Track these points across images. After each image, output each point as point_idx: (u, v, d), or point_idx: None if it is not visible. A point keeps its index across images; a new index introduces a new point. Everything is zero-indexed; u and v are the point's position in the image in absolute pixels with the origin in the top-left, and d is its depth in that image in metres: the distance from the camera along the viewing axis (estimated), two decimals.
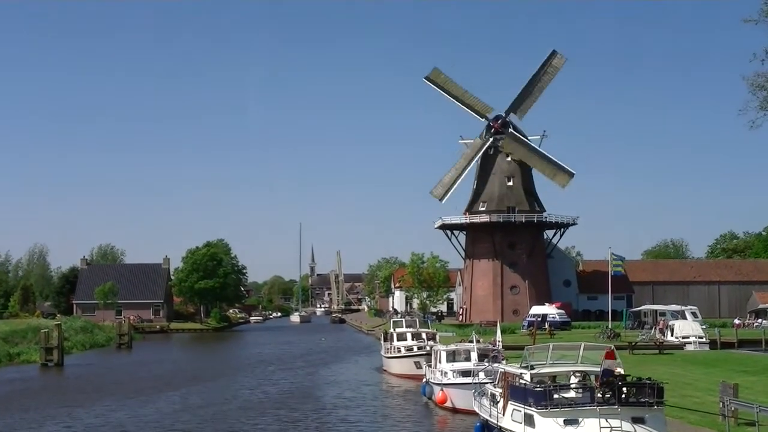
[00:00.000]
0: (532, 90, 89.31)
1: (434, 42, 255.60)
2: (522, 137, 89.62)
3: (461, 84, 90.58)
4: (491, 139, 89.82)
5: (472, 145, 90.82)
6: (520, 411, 24.05)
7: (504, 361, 34.32)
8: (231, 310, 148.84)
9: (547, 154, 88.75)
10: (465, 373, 35.48)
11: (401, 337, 52.66)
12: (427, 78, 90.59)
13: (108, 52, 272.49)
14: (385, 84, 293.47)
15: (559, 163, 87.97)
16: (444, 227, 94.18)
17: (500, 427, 25.54)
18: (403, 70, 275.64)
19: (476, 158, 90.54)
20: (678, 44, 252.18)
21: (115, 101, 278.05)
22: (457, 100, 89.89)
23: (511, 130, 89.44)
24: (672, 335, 56.95)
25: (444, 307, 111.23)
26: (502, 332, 44.57)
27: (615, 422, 22.26)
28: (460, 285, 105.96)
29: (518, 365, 26.21)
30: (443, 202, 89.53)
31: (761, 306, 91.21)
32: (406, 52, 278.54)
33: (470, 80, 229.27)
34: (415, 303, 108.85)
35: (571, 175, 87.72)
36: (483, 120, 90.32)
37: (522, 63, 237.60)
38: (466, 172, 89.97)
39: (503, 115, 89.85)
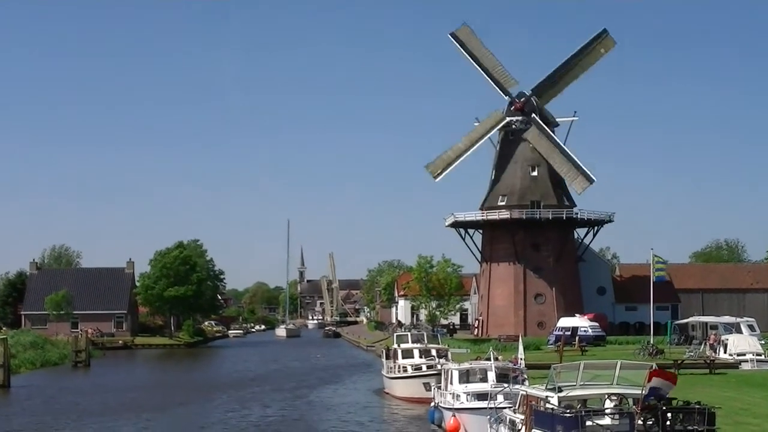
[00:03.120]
0: (568, 72, 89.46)
1: (447, 5, 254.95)
2: (545, 126, 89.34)
3: (492, 50, 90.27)
4: (508, 119, 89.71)
5: (485, 121, 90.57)
6: None
7: (526, 383, 34.32)
8: (206, 323, 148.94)
9: (569, 151, 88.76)
10: (481, 396, 35.46)
11: (407, 353, 52.66)
12: (453, 34, 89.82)
13: (65, 28, 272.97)
14: (387, 61, 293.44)
15: (581, 165, 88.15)
16: (456, 225, 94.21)
17: None
18: (408, 45, 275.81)
19: (488, 136, 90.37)
20: (731, 22, 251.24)
21: (70, 84, 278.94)
22: (482, 69, 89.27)
23: (534, 115, 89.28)
24: (725, 352, 56.88)
25: (456, 319, 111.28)
26: (525, 348, 44.55)
27: None
28: (475, 293, 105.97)
29: (543, 387, 26.22)
30: (438, 180, 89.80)
31: None
32: (413, 20, 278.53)
33: (498, 47, 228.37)
34: (423, 314, 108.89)
35: (591, 181, 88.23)
36: (506, 97, 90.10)
37: (562, 37, 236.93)
38: (472, 149, 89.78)
39: (528, 94, 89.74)
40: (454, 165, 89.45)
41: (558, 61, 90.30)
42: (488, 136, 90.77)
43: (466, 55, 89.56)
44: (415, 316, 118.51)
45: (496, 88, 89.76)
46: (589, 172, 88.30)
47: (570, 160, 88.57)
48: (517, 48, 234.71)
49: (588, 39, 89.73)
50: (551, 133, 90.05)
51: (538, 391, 26.40)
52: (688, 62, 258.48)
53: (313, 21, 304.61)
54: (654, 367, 24.73)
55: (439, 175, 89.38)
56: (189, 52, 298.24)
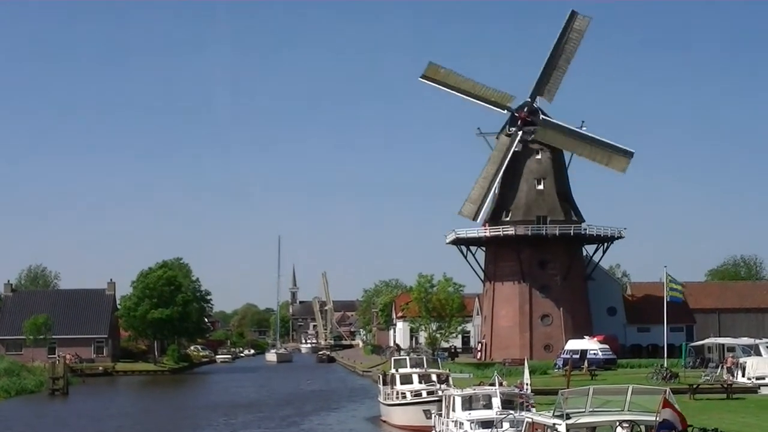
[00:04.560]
0: (556, 63, 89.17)
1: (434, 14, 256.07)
2: (554, 120, 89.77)
3: (469, 71, 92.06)
4: (521, 133, 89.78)
5: (498, 144, 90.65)
6: None
7: (533, 409, 34.36)
8: (192, 347, 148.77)
9: (593, 135, 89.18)
10: (485, 424, 35.53)
11: (405, 379, 52.70)
12: (423, 77, 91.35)
13: (42, 33, 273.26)
14: (384, 69, 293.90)
15: (611, 143, 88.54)
16: (458, 242, 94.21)
17: None
18: (406, 51, 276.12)
19: (506, 159, 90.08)
20: (756, 27, 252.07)
21: (46, 94, 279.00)
22: (466, 95, 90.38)
23: (542, 116, 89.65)
24: (743, 375, 56.93)
25: (458, 342, 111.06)
26: (531, 373, 44.60)
27: None
28: (478, 314, 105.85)
29: (550, 414, 26.24)
30: (478, 221, 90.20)
31: None
32: (409, 26, 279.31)
33: (481, 64, 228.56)
34: (423, 337, 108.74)
35: (630, 155, 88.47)
36: (505, 111, 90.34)
37: (539, 32, 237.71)
38: (498, 178, 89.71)
39: (529, 100, 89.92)
40: (488, 200, 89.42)
41: (542, 57, 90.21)
42: (509, 156, 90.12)
43: (446, 89, 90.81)
44: (414, 338, 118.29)
45: (492, 107, 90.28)
46: (621, 146, 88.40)
47: (597, 143, 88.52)
48: (500, 55, 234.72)
49: (561, 25, 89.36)
50: (565, 125, 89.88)
51: (544, 418, 26.43)
52: (704, 69, 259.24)
53: (307, 27, 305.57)
54: (668, 393, 24.78)
55: (476, 216, 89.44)
56: (174, 58, 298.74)
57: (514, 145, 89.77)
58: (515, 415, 34.05)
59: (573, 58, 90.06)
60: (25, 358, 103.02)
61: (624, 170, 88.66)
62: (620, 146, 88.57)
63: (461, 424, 36.86)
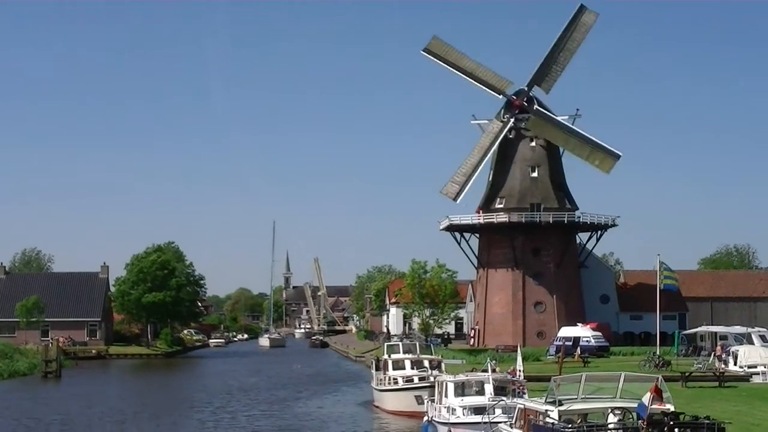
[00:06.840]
0: (558, 56, 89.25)
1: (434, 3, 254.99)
2: (551, 114, 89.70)
3: (470, 55, 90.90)
4: (512, 120, 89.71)
5: (489, 130, 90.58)
6: None
7: (525, 395, 34.37)
8: (185, 331, 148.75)
9: (583, 133, 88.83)
10: (477, 410, 35.52)
11: (398, 365, 52.72)
12: (425, 50, 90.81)
13: (37, 23, 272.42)
14: (375, 55, 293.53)
15: (600, 143, 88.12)
16: (452, 229, 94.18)
17: None
18: (397, 38, 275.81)
19: (495, 146, 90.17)
20: (748, 21, 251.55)
21: (40, 79, 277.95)
22: (465, 75, 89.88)
23: (536, 107, 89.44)
24: (735, 364, 57.02)
25: (451, 328, 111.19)
26: (524, 359, 44.61)
27: None
28: (471, 301, 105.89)
29: (543, 400, 26.22)
30: (458, 201, 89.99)
31: None
32: (401, 14, 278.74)
33: (482, 50, 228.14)
34: (416, 323, 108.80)
35: (617, 157, 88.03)
36: (500, 97, 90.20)
37: (544, 24, 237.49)
38: (483, 163, 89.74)
39: (526, 89, 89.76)
40: (470, 183, 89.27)
41: (545, 49, 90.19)
42: (498, 141, 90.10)
43: (446, 66, 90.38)
44: (407, 324, 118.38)
45: (488, 90, 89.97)
46: (610, 147, 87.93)
47: (586, 140, 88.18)
48: (504, 39, 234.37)
49: (567, 18, 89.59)
50: (558, 119, 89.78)
51: (537, 404, 26.43)
52: (699, 60, 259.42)
53: (303, 18, 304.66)
54: (660, 380, 24.77)
55: (457, 197, 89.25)
56: (171, 46, 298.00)
57: (504, 131, 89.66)
58: (507, 401, 34.03)
59: (576, 53, 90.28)
60: (18, 340, 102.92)
61: (608, 171, 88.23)
62: (608, 147, 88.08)
63: (453, 410, 36.85)
